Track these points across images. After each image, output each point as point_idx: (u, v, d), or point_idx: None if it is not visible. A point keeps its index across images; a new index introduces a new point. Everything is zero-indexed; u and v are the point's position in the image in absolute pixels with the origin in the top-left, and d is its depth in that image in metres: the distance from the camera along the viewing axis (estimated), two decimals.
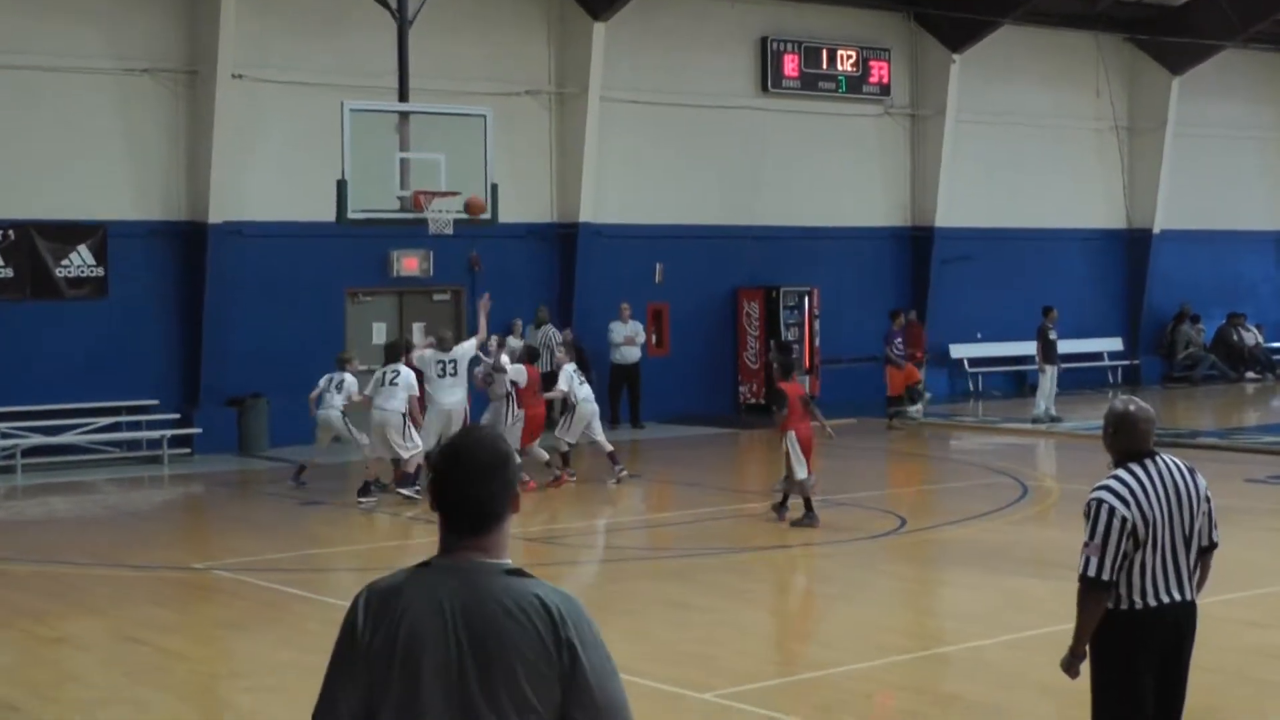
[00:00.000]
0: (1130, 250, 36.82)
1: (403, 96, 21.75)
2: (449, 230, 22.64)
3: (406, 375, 19.66)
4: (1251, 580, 14.92)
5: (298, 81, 25.14)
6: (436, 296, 28.10)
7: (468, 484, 4.05)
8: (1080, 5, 34.33)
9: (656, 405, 28.71)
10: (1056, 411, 27.99)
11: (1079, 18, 34.64)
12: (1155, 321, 37.03)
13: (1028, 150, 34.76)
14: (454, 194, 21.81)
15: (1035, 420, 27.95)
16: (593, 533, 20.25)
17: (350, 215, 20.77)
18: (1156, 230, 36.58)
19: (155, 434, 24.59)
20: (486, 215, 21.24)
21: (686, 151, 29.83)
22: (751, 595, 14.69)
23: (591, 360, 27.66)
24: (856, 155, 32.53)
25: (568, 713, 3.93)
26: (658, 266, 29.51)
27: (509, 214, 24.56)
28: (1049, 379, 28.35)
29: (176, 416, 24.83)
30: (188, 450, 24.86)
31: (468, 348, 20.39)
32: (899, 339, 28.55)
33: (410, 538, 18.84)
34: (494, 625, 3.98)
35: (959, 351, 33.43)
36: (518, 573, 4.05)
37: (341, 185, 20.24)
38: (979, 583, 15.34)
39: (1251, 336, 38.06)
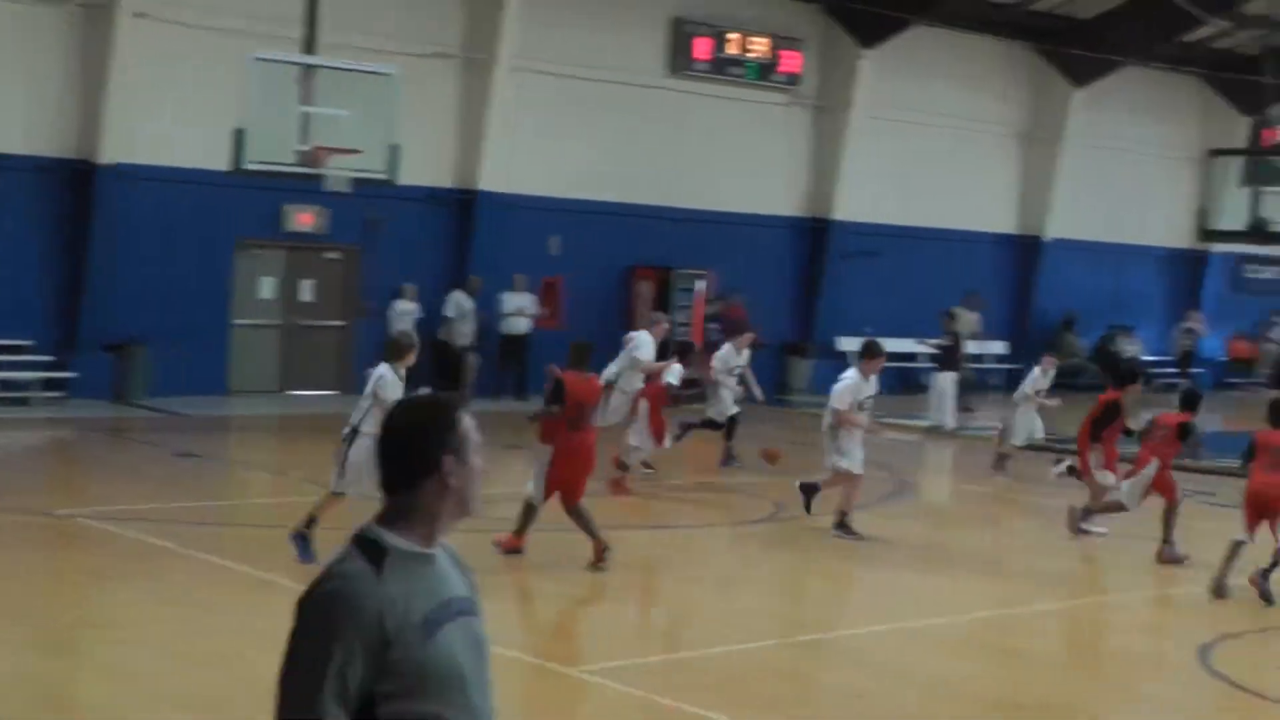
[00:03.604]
0: (1021, 256, 37.55)
1: (309, 49, 21.50)
2: (346, 188, 22.71)
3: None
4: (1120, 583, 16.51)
5: (203, 26, 24.62)
6: (328, 254, 28.07)
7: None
8: (992, 11, 34.74)
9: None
10: (956, 422, 27.69)
11: (990, 23, 35.05)
12: (1041, 328, 37.04)
13: (930, 150, 35.09)
14: (355, 151, 21.75)
15: (931, 429, 27.75)
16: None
17: (245, 165, 20.62)
18: (1047, 238, 37.36)
19: (27, 375, 24.11)
20: (779, 458, 21.28)
21: (591, 126, 29.89)
22: (621, 575, 14.48)
23: (483, 330, 28.20)
24: (761, 143, 32.65)
25: None
26: (554, 239, 29.61)
27: (410, 176, 24.54)
28: (949, 386, 27.83)
29: (51, 359, 24.35)
30: (62, 394, 24.40)
31: None
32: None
33: (286, 495, 18.50)
34: None
35: (846, 344, 32.27)
36: (358, 542, 3.94)
37: (239, 134, 20.12)
38: (850, 573, 15.69)
39: (1131, 349, 38.33)
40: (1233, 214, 30.12)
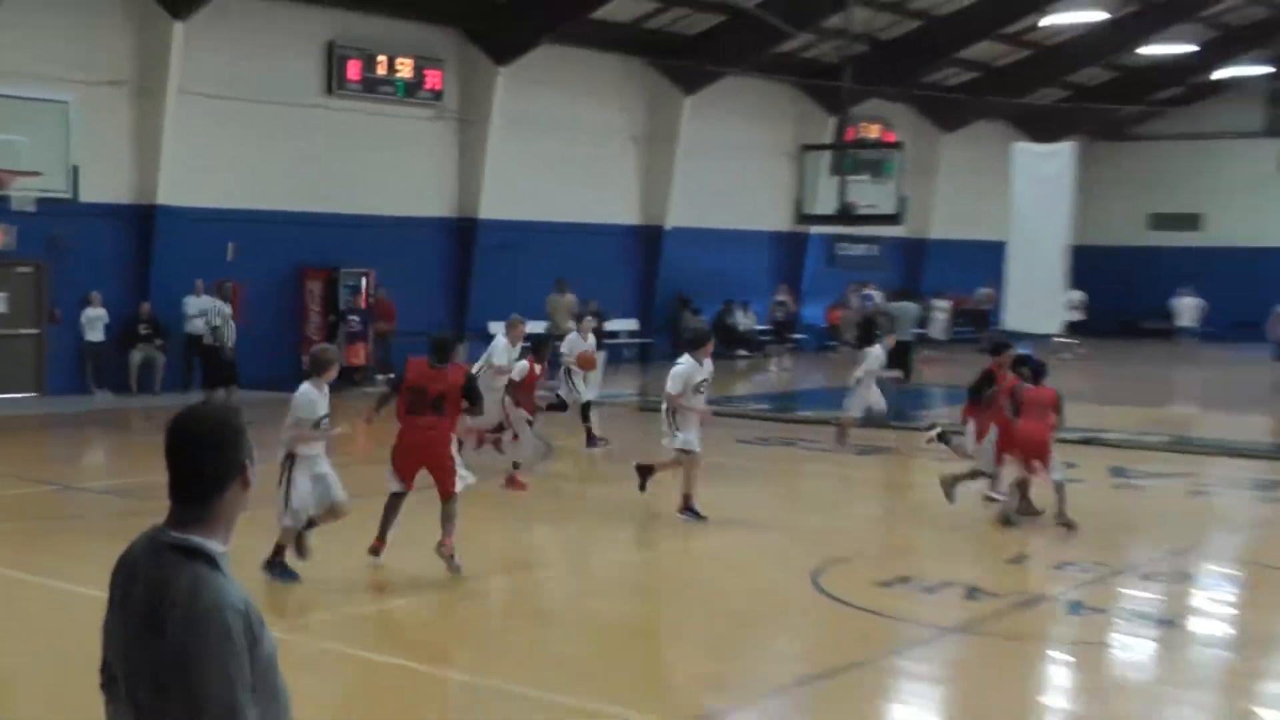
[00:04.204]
0: (645, 244, 39.56)
1: None
2: (31, 208, 23.73)
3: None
4: (748, 521, 17.14)
5: None
6: (19, 269, 28.13)
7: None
8: (611, 30, 36.03)
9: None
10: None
11: (609, 41, 36.58)
12: (664, 305, 39.43)
13: (562, 154, 36.43)
14: (36, 174, 22.73)
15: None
16: None
17: None
18: (668, 227, 39.47)
19: None
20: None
21: (260, 143, 30.49)
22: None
23: (166, 331, 28.92)
24: (412, 153, 33.77)
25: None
26: (230, 245, 30.10)
27: (91, 194, 26.10)
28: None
29: None
30: None
31: None
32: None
33: None
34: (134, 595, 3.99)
35: (495, 328, 32.60)
36: (184, 550, 3.93)
37: None
38: (493, 528, 15.88)
39: (745, 321, 41.58)
40: (824, 200, 31.66)
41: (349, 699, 10.36)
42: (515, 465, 19.06)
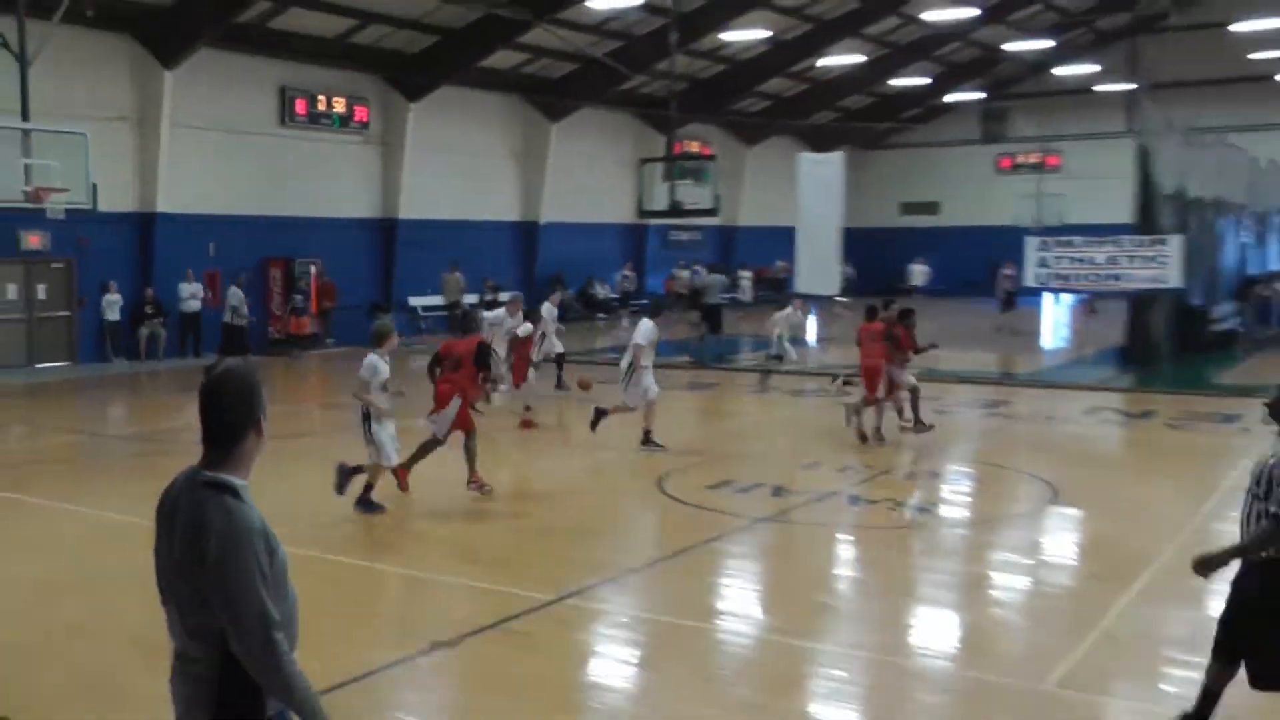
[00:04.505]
0: (526, 235, 39.94)
1: (25, 117, 22.38)
2: (61, 216, 23.56)
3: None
4: (609, 444, 16.80)
5: None
6: (54, 264, 27.92)
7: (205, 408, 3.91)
8: (494, 75, 36.33)
9: (213, 341, 29.41)
10: None
11: (493, 82, 36.73)
12: (542, 282, 37.96)
13: (462, 165, 36.91)
14: (64, 190, 22.19)
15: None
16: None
17: None
18: (543, 222, 40.02)
19: None
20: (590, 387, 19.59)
21: (232, 163, 30.64)
22: None
23: (166, 310, 28.71)
24: (347, 169, 34.03)
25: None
26: (211, 244, 30.18)
27: (107, 205, 26.00)
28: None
29: None
30: None
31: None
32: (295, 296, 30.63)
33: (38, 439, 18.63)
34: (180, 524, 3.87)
35: (415, 302, 35.58)
36: (215, 486, 3.84)
37: None
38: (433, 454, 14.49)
39: (602, 291, 42.40)
40: (659, 199, 31.88)
41: (316, 591, 8.30)
42: (526, 409, 18.68)
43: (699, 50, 38.70)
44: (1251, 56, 45.37)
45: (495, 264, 36.61)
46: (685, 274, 44.05)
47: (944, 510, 13.86)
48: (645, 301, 42.42)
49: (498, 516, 12.72)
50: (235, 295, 26.65)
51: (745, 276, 46.49)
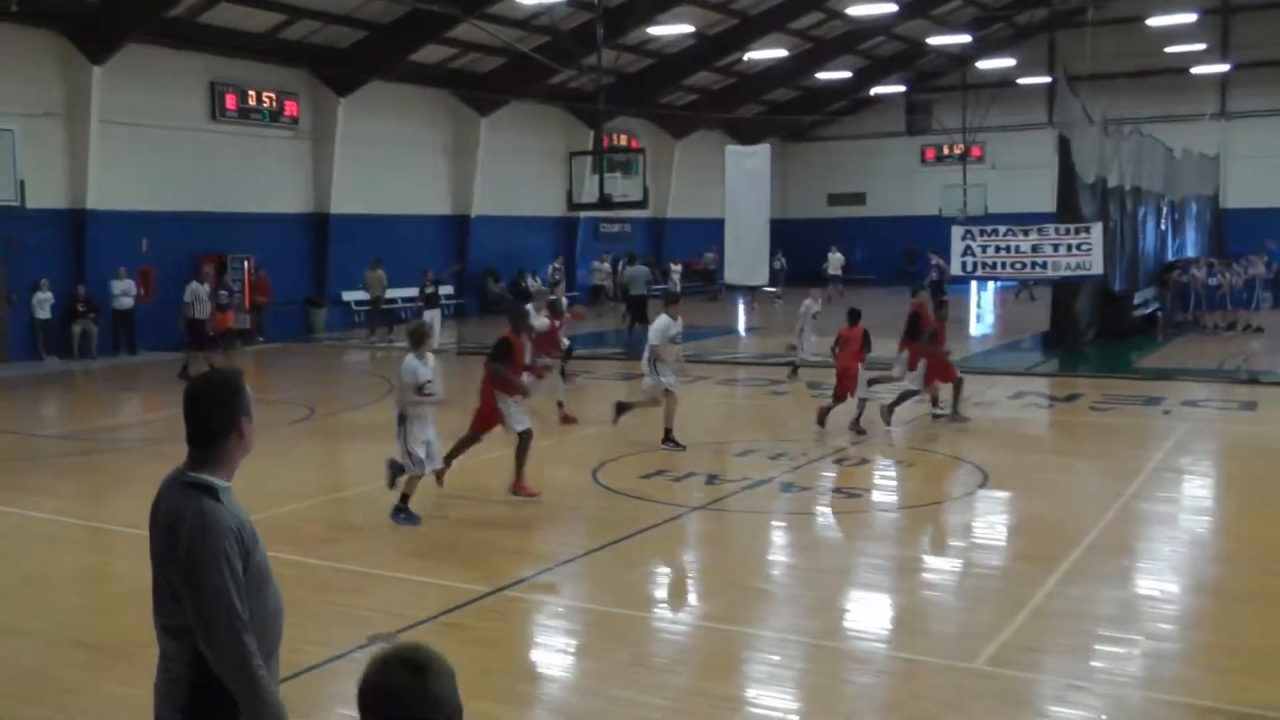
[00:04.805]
0: (457, 229, 39.75)
1: None
2: None
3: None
4: (545, 434, 16.87)
5: None
6: None
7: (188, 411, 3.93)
8: (425, 69, 36.05)
9: (147, 338, 29.20)
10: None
11: (423, 77, 36.47)
12: (474, 274, 40.05)
13: (393, 160, 36.80)
14: None
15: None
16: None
17: None
18: (473, 215, 39.93)
19: None
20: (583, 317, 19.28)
21: (163, 159, 30.23)
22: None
23: (98, 308, 28.21)
24: (278, 164, 33.74)
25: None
26: (144, 240, 29.86)
27: (36, 202, 25.84)
28: (436, 318, 28.70)
29: None
30: None
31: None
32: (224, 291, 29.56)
33: None
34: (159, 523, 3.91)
35: (349, 296, 35.41)
36: (194, 486, 3.86)
37: None
38: (365, 450, 15.44)
39: (534, 284, 40.75)
40: (589, 192, 31.58)
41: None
42: (560, 404, 18.28)
43: (626, 44, 38.59)
44: (1168, 50, 46.42)
45: (428, 258, 35.66)
46: (605, 266, 44.18)
47: (876, 495, 14.01)
48: (575, 294, 42.56)
49: (437, 510, 12.69)
50: (199, 290, 25.98)
51: (675, 269, 46.43)
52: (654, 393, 15.92)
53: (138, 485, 13.60)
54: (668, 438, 15.84)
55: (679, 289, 44.29)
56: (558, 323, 19.13)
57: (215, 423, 3.89)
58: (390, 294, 33.99)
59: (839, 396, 16.94)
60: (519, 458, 12.74)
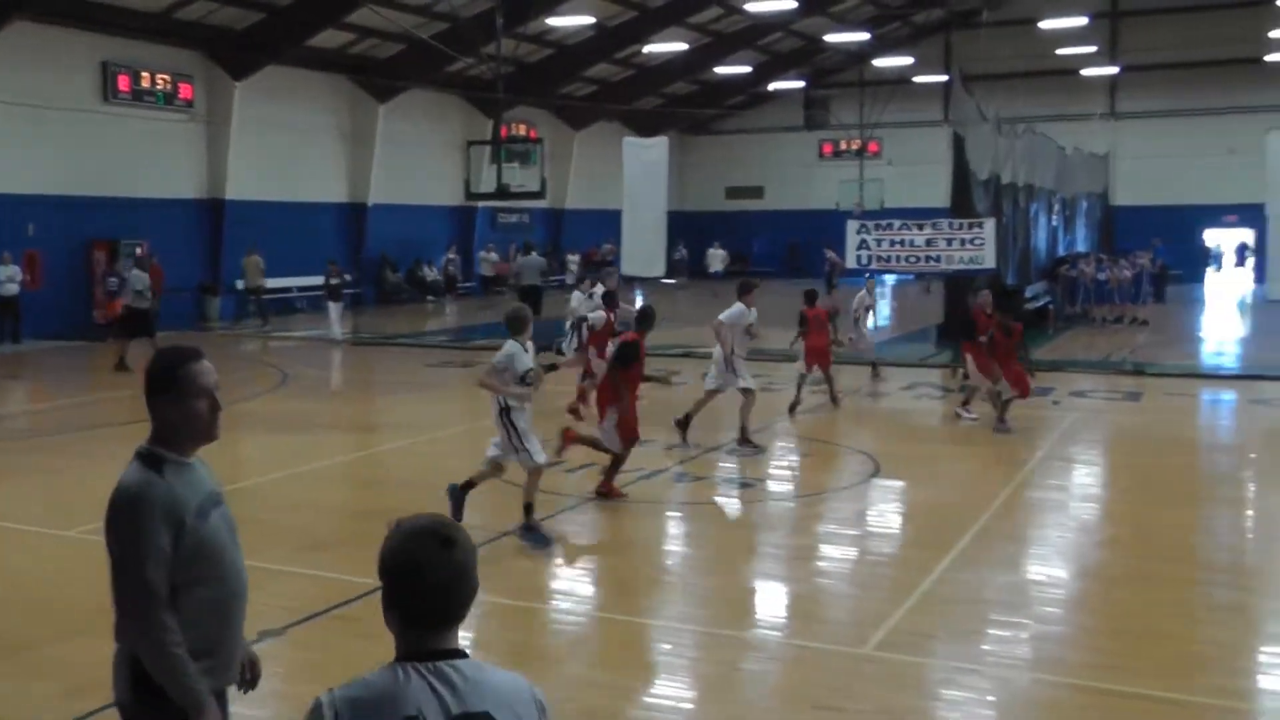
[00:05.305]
0: (354, 216, 39.41)
1: None
2: None
3: None
4: (441, 426, 17.75)
5: None
6: None
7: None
8: (321, 53, 35.76)
9: (32, 326, 28.69)
10: (341, 335, 28.87)
11: (320, 61, 36.43)
12: (371, 263, 39.79)
13: (290, 146, 36.47)
14: None
15: (324, 338, 28.80)
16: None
17: None
18: (370, 203, 39.57)
19: None
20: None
21: (54, 141, 29.68)
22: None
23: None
24: (172, 148, 33.18)
25: None
26: (30, 225, 29.25)
27: None
28: (336, 310, 29.27)
29: None
30: None
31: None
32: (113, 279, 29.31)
33: None
34: None
35: (243, 284, 34.41)
36: (140, 455, 3.91)
37: None
38: (259, 441, 15.59)
39: (431, 274, 42.33)
40: (487, 181, 31.84)
41: None
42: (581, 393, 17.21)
43: (526, 34, 38.63)
44: (1059, 52, 47.72)
45: (324, 246, 35.67)
46: (493, 256, 44.35)
47: (770, 485, 14.05)
48: (471, 285, 42.54)
49: (333, 503, 12.60)
50: (139, 279, 25.13)
51: (573, 260, 46.47)
52: (722, 386, 15.38)
53: (16, 479, 13.57)
54: (744, 438, 15.34)
55: (578, 279, 44.63)
56: (612, 315, 17.75)
57: (156, 395, 3.91)
58: (287, 283, 33.80)
59: (809, 369, 17.60)
60: (614, 463, 12.52)
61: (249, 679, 4.22)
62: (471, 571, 2.87)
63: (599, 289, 18.98)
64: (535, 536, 10.74)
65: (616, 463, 12.49)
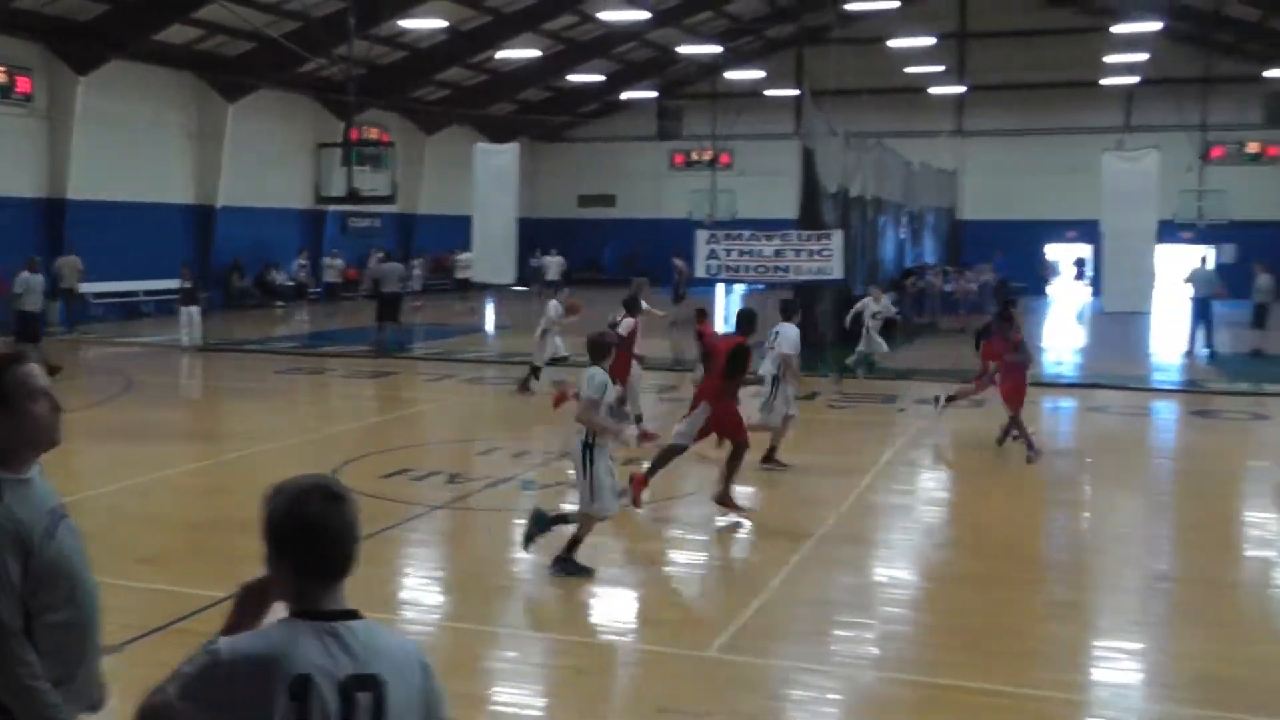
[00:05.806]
0: (201, 219, 38.32)
1: None
2: None
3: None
4: (287, 433, 18.13)
5: None
6: None
7: None
8: (167, 49, 34.88)
9: None
10: (198, 340, 27.92)
11: (167, 58, 35.45)
12: (220, 267, 38.65)
13: (135, 142, 35.24)
14: None
15: (176, 344, 27.83)
16: None
17: None
18: (219, 205, 38.52)
19: None
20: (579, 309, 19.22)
21: None
22: None
23: None
24: (9, 145, 32.17)
25: None
26: None
27: None
28: (194, 314, 28.11)
29: None
30: None
31: None
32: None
33: None
34: None
35: (86, 288, 33.33)
36: None
37: None
38: (98, 451, 15.18)
39: (280, 278, 41.39)
40: (338, 185, 30.90)
41: None
42: (638, 420, 16.65)
43: (378, 36, 38.15)
44: (908, 70, 48.86)
45: (170, 249, 34.87)
46: (338, 262, 43.81)
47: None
48: (319, 290, 41.82)
49: (171, 516, 12.41)
50: (31, 280, 23.99)
51: (417, 265, 45.97)
52: (773, 421, 14.73)
53: None
54: (770, 457, 14.77)
55: (423, 285, 44.23)
56: (636, 322, 17.25)
57: None
58: (133, 287, 33.08)
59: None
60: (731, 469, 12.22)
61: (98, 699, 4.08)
62: (358, 525, 2.97)
63: (564, 294, 20.19)
64: (573, 567, 10.06)
65: (669, 456, 12.43)
